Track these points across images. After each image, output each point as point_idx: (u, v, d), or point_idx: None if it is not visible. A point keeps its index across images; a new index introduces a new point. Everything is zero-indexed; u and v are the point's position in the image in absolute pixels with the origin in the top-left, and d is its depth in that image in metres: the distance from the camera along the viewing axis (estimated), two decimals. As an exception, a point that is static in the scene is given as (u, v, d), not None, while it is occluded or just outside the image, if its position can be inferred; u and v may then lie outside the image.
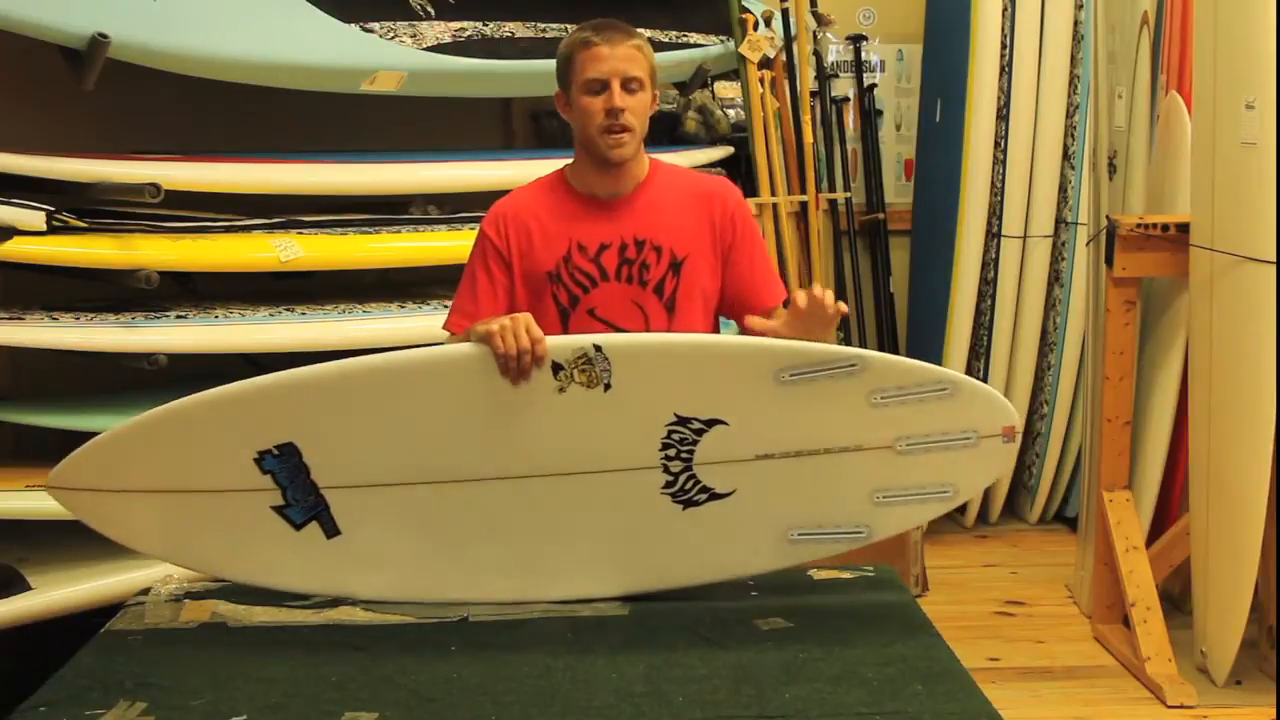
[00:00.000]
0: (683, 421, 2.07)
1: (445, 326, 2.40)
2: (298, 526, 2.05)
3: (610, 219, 2.33)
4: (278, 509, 2.06)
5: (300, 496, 2.04)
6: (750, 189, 4.38)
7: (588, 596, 2.17)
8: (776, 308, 2.37)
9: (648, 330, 2.33)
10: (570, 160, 2.41)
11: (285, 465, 2.03)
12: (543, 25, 3.88)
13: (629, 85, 2.26)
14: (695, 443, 2.07)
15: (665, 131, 4.54)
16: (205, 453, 2.07)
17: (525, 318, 2.07)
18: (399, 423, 2.07)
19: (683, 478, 2.09)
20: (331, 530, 2.05)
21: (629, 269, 2.31)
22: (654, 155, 2.42)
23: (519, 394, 2.05)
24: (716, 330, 2.42)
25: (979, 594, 4.15)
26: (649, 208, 2.33)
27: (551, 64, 2.35)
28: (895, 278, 4.97)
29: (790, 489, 2.11)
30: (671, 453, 2.08)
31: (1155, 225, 3.53)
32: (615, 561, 2.15)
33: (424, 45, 3.58)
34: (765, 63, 4.44)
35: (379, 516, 2.07)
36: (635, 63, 2.26)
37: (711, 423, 2.07)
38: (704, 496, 2.10)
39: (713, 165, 4.32)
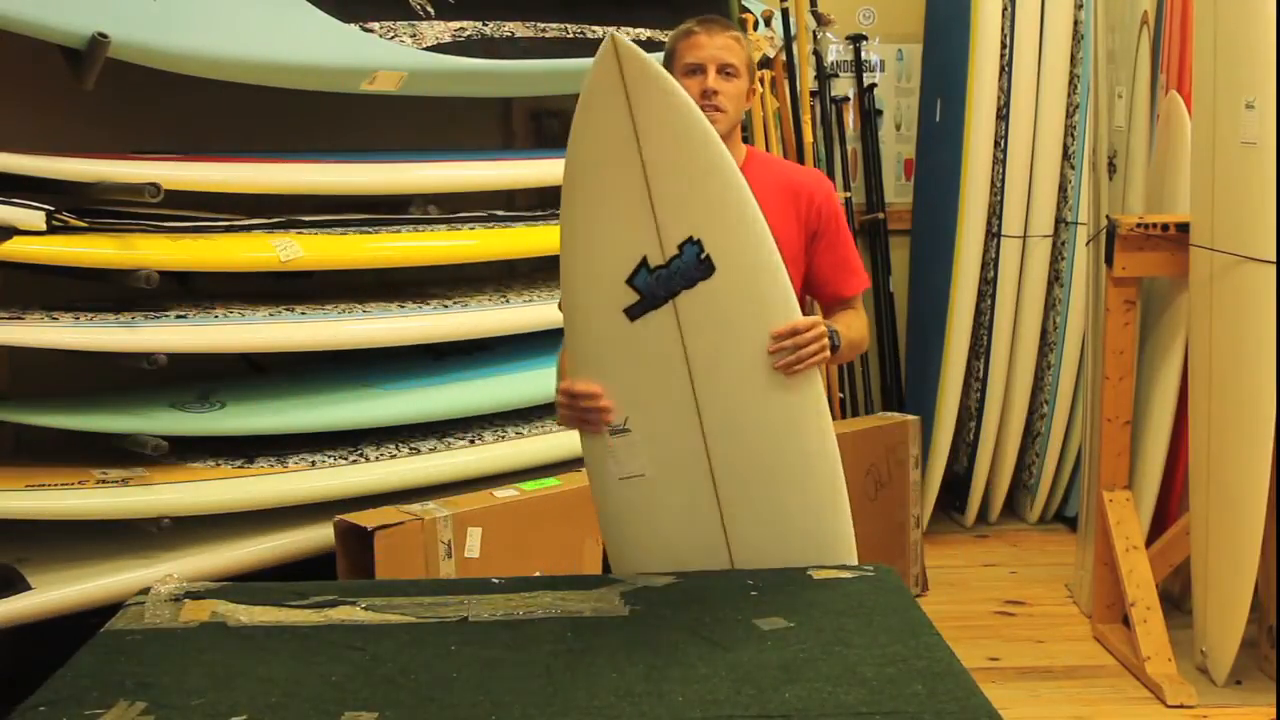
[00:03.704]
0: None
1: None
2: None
3: None
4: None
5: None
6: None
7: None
8: (848, 299, 2.54)
9: None
10: None
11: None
12: (543, 25, 3.87)
13: (724, 70, 2.42)
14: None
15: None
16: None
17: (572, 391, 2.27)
18: None
19: None
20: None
21: None
22: (752, 147, 2.48)
23: None
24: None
25: (979, 594, 4.15)
26: None
27: (551, 64, 2.38)
28: (895, 277, 4.97)
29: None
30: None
31: (1155, 225, 3.54)
32: None
33: (424, 45, 3.58)
34: (765, 62, 4.44)
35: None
36: (731, 51, 2.44)
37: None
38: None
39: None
